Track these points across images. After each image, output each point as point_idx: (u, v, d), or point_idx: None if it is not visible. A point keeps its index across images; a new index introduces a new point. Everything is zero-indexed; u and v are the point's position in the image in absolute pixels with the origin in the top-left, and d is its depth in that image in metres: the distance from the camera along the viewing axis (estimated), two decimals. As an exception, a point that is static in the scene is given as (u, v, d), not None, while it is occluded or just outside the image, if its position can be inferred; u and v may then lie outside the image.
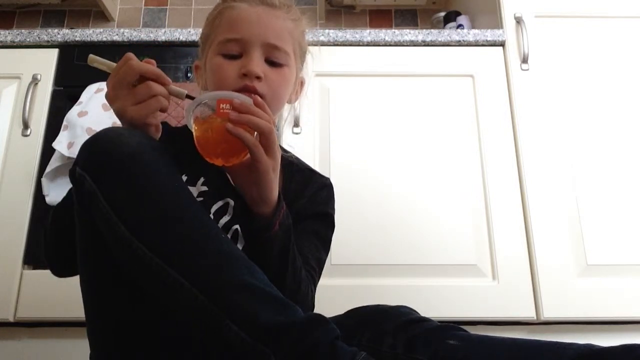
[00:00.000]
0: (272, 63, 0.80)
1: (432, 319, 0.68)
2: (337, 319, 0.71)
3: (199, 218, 0.62)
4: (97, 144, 0.64)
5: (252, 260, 0.73)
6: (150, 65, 0.68)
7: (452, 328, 0.65)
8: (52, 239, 0.76)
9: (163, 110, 0.69)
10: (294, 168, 0.89)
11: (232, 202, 0.79)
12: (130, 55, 0.68)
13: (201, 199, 0.77)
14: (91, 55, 0.72)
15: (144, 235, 0.59)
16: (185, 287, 0.57)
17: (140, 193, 0.61)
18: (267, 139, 0.67)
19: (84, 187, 0.63)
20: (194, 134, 0.69)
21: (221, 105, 0.66)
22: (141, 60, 0.68)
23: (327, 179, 0.93)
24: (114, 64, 0.70)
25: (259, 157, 0.67)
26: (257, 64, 0.77)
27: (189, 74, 1.41)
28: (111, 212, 0.60)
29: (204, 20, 0.88)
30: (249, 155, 0.67)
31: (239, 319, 0.56)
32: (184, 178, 0.79)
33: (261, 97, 0.75)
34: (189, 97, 0.69)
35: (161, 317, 0.65)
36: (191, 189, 0.78)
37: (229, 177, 0.73)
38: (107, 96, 0.69)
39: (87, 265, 0.69)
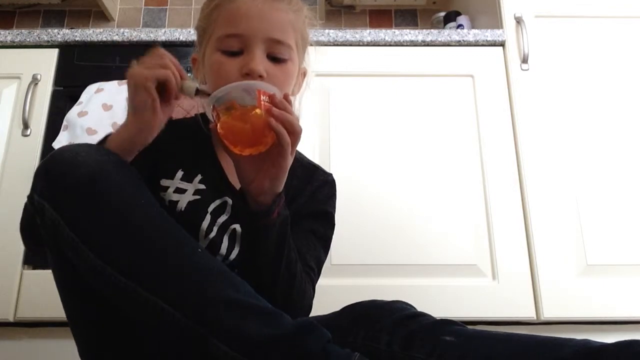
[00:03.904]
0: (274, 59, 0.77)
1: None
2: (333, 316, 0.70)
3: (171, 234, 0.60)
4: (53, 167, 0.61)
5: (247, 253, 0.71)
6: (172, 57, 0.69)
7: (448, 323, 0.64)
8: (27, 224, 0.72)
9: (169, 90, 0.67)
10: (295, 164, 0.86)
11: (230, 201, 0.79)
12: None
13: (198, 197, 0.76)
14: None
15: (116, 260, 0.57)
16: (166, 310, 0.55)
17: (105, 216, 0.58)
18: (296, 138, 0.67)
19: (45, 216, 0.60)
20: (218, 118, 0.67)
21: (262, 97, 0.65)
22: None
23: (330, 175, 0.91)
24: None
25: (287, 155, 0.66)
26: (259, 62, 0.74)
27: (189, 74, 1.41)
28: (78, 241, 0.57)
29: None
30: (261, 148, 0.67)
31: (224, 336, 0.54)
32: (180, 174, 0.78)
33: None
34: (201, 92, 0.69)
35: (146, 336, 0.64)
36: (187, 185, 0.77)
37: (239, 166, 0.70)
38: (132, 69, 0.69)
39: (64, 290, 0.68)
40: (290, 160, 0.68)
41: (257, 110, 0.65)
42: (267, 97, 0.66)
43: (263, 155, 0.67)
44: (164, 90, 0.68)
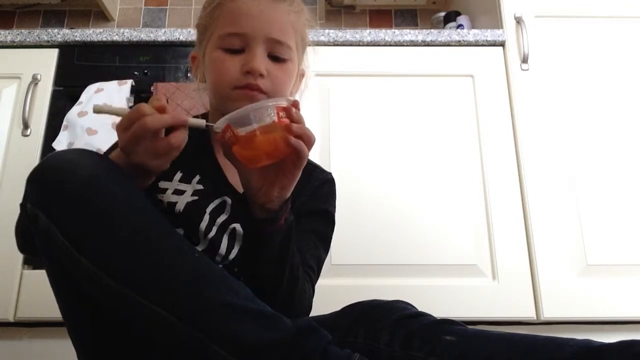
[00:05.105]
0: (275, 58, 0.77)
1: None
2: (333, 316, 0.70)
3: (167, 239, 0.59)
4: (46, 174, 0.60)
5: (249, 255, 0.71)
6: (165, 117, 0.62)
7: (449, 322, 0.64)
8: (22, 227, 0.72)
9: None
10: None
11: (229, 200, 0.79)
12: (142, 109, 0.61)
13: (196, 197, 0.76)
14: (96, 105, 0.66)
15: (112, 267, 0.56)
16: (164, 316, 0.55)
17: (100, 223, 0.57)
18: (310, 148, 0.67)
19: (38, 224, 0.59)
20: (233, 138, 0.64)
21: (280, 114, 0.65)
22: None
23: (329, 174, 0.91)
24: (122, 109, 0.65)
25: (301, 166, 0.67)
26: (260, 61, 0.75)
27: (188, 74, 1.41)
28: (72, 249, 0.57)
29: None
30: (275, 159, 0.66)
31: (224, 341, 0.54)
32: (179, 175, 0.78)
33: (265, 94, 0.75)
34: (208, 127, 0.67)
35: (142, 341, 0.63)
36: (186, 186, 0.77)
37: (249, 176, 0.69)
38: (121, 146, 0.63)
39: (60, 296, 0.67)
40: (301, 171, 0.68)
41: (276, 127, 0.64)
42: (284, 113, 0.65)
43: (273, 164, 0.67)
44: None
